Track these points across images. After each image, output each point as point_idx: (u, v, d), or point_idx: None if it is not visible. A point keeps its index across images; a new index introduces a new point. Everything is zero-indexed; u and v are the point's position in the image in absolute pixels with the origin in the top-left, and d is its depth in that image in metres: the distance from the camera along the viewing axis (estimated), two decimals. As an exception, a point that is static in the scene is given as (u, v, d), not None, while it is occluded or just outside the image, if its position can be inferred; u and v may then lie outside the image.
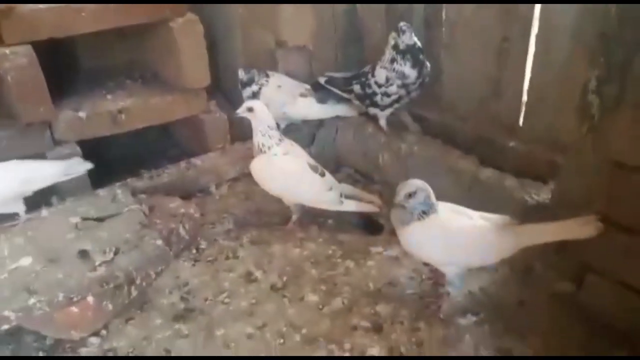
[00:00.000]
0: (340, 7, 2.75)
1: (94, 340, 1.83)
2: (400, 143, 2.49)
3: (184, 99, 2.62)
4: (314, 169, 2.25)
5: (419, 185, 1.72)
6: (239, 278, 2.08)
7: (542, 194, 2.00)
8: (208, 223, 2.39)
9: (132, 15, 2.38)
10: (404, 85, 2.42)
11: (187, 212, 2.29)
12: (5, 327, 1.73)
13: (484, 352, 1.71)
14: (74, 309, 1.80)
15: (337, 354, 1.74)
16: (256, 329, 1.84)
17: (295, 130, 2.70)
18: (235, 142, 2.73)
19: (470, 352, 1.72)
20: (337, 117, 2.74)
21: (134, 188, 2.40)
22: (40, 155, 2.33)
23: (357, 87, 2.56)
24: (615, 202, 1.66)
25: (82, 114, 2.41)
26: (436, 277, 1.99)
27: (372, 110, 2.57)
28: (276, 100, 2.57)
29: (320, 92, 2.68)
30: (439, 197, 1.77)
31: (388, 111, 2.54)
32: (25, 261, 1.92)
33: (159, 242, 2.06)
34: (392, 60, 2.40)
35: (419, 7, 2.53)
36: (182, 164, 2.60)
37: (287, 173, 2.21)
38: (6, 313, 1.72)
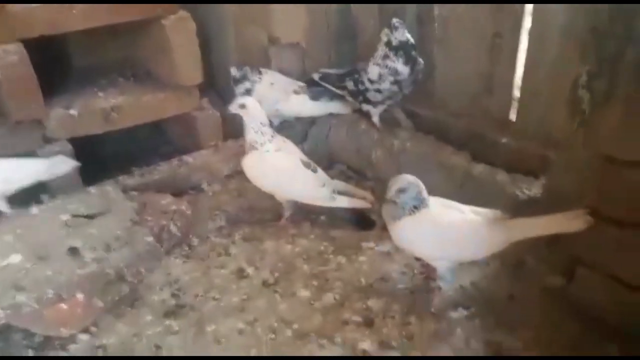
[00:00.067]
0: (334, 4, 2.75)
1: (83, 337, 1.82)
2: (393, 139, 2.49)
3: (177, 96, 2.61)
4: (306, 165, 2.24)
5: (410, 181, 1.72)
6: (230, 274, 2.07)
7: (534, 189, 2.00)
8: (200, 220, 2.37)
9: (124, 13, 2.37)
10: (396, 82, 2.42)
11: (179, 209, 2.28)
12: (-6, 324, 1.72)
13: (475, 346, 1.71)
14: (64, 305, 1.79)
15: (328, 348, 1.73)
16: (247, 325, 1.84)
17: (288, 128, 2.69)
18: (228, 139, 2.71)
19: (461, 346, 1.72)
20: (330, 115, 2.73)
21: (125, 185, 2.39)
22: (31, 153, 2.31)
23: (350, 84, 2.55)
24: (606, 196, 1.66)
25: (73, 112, 2.39)
26: (428, 272, 1.98)
27: (365, 107, 2.57)
28: (269, 97, 2.56)
29: (314, 89, 2.68)
30: (432, 193, 1.78)
31: (381, 108, 2.54)
32: (15, 258, 1.91)
33: (150, 239, 2.05)
34: (385, 57, 2.39)
35: (412, 4, 2.53)
36: (174, 161, 2.58)
37: (279, 170, 2.20)
38: (-5, 311, 1.71)
